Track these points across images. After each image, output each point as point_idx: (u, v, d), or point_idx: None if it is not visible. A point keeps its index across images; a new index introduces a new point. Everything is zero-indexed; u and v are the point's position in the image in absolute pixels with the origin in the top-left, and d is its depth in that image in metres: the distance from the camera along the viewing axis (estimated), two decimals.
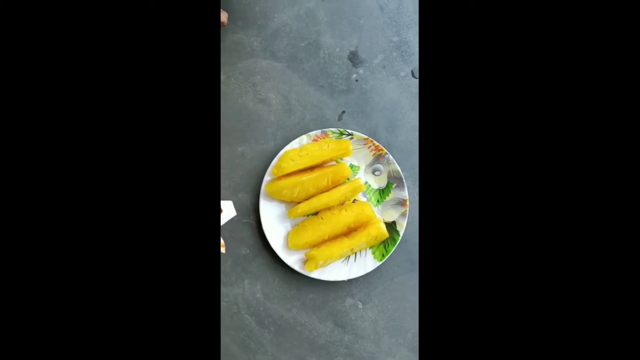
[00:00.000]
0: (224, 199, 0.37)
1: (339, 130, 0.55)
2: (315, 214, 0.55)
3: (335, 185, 0.55)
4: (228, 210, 0.34)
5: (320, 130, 0.55)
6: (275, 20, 0.60)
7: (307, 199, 0.55)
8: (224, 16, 0.56)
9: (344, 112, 0.58)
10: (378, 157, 0.56)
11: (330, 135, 0.55)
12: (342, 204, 0.55)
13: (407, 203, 0.54)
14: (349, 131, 0.55)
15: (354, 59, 0.59)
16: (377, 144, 0.55)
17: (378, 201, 0.56)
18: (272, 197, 0.55)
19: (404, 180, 0.55)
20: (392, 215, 0.55)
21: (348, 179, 0.55)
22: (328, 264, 0.53)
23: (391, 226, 0.55)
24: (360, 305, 0.55)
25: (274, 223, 0.55)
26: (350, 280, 0.55)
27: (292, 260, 0.54)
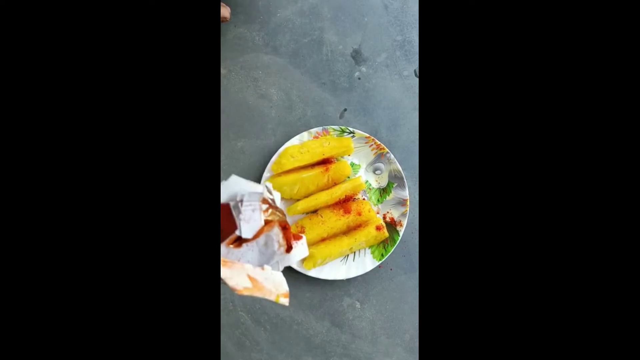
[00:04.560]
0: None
1: (341, 128, 0.55)
2: (315, 212, 0.54)
3: (336, 183, 0.55)
4: (300, 249, 0.30)
5: (321, 128, 0.55)
6: (278, 15, 0.59)
7: (306, 196, 0.54)
8: (226, 11, 0.55)
9: (345, 109, 0.58)
10: (379, 156, 0.55)
11: (332, 133, 0.55)
12: (341, 202, 0.54)
13: (408, 203, 0.54)
14: (351, 129, 0.55)
15: (357, 56, 0.59)
16: (379, 142, 0.55)
17: (378, 200, 0.56)
18: None
19: (405, 180, 0.54)
20: (392, 215, 0.55)
21: (348, 177, 0.55)
22: (326, 263, 0.53)
23: (391, 226, 0.54)
24: (358, 305, 0.54)
25: None
26: (348, 280, 0.54)
27: None
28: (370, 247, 0.54)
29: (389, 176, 0.56)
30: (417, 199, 0.56)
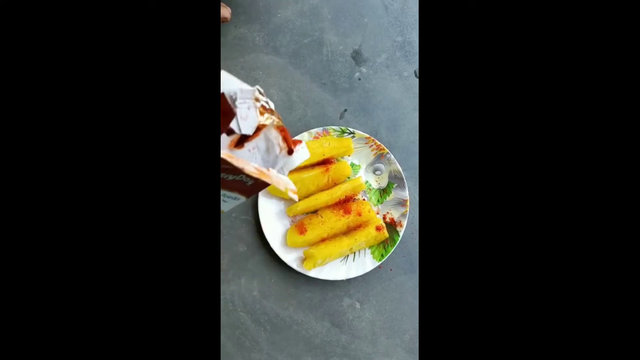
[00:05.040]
0: None
1: (341, 129, 0.55)
2: (315, 212, 0.55)
3: (336, 183, 0.55)
4: (302, 152, 0.29)
5: (321, 128, 0.55)
6: (279, 16, 0.59)
7: (307, 196, 0.54)
8: (227, 11, 0.55)
9: (345, 110, 0.58)
10: (379, 157, 0.55)
11: (332, 133, 0.55)
12: (342, 202, 0.54)
13: (408, 203, 0.54)
14: (351, 130, 0.55)
15: (357, 57, 0.59)
16: (379, 143, 0.55)
17: (378, 201, 0.56)
18: (271, 194, 0.54)
19: (405, 181, 0.54)
20: (392, 215, 0.55)
21: (349, 177, 0.55)
22: (326, 263, 0.53)
23: (391, 226, 0.54)
24: (357, 306, 0.54)
25: (273, 220, 0.54)
26: (348, 280, 0.54)
27: (290, 258, 0.53)
28: (370, 247, 0.54)
29: (389, 177, 0.56)
30: (417, 199, 0.56)
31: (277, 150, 0.28)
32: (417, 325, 0.54)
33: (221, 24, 0.58)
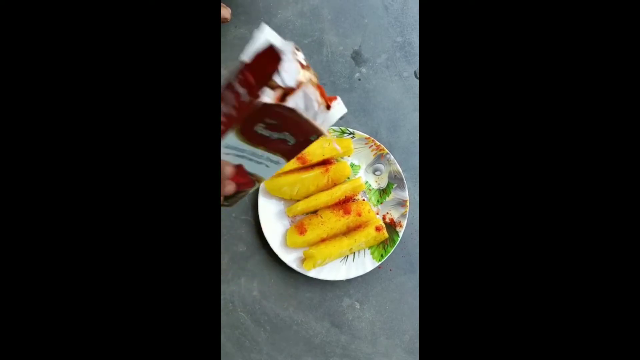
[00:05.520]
0: None
1: (341, 129, 0.55)
2: (315, 212, 0.55)
3: (336, 184, 0.55)
4: (339, 108, 0.30)
5: None
6: (279, 16, 0.59)
7: (306, 197, 0.54)
8: (227, 12, 0.56)
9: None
10: (379, 157, 0.56)
11: (332, 134, 0.55)
12: (341, 202, 0.54)
13: (407, 204, 0.54)
14: (351, 130, 0.55)
15: (357, 58, 0.59)
16: (379, 143, 0.55)
17: (378, 201, 0.56)
18: (271, 194, 0.54)
19: (405, 181, 0.54)
20: (392, 215, 0.55)
21: (348, 178, 0.55)
22: (326, 263, 0.53)
23: (391, 227, 0.54)
24: (357, 306, 0.54)
25: (273, 220, 0.54)
26: (348, 280, 0.54)
27: (289, 258, 0.53)
28: (370, 247, 0.54)
29: (389, 177, 0.56)
30: (417, 199, 0.56)
31: (316, 106, 0.28)
32: (417, 325, 0.54)
33: (221, 24, 0.58)
